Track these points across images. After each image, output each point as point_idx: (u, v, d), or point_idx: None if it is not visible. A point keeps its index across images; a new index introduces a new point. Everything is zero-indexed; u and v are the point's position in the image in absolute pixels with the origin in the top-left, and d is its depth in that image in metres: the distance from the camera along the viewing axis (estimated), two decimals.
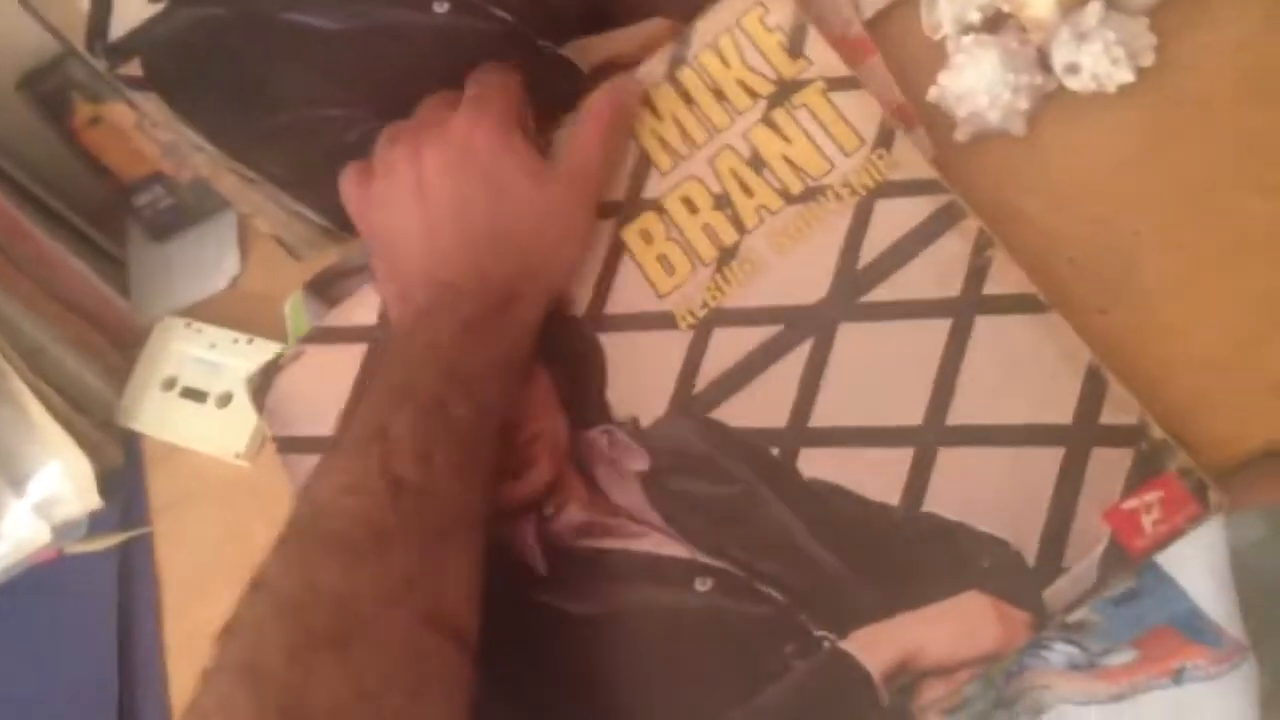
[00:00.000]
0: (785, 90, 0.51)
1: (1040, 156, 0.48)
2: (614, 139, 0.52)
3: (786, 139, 0.50)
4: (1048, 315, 0.44)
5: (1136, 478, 0.42)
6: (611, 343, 0.50)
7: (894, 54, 0.52)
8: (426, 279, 0.48)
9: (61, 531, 0.61)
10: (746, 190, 0.50)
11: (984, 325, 0.45)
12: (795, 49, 0.51)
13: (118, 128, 0.64)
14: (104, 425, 0.62)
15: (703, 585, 0.45)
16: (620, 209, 0.52)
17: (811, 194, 0.49)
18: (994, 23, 0.50)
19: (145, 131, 0.64)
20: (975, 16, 0.49)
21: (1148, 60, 0.47)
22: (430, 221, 0.48)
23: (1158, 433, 0.42)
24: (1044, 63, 0.48)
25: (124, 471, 0.62)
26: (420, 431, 0.41)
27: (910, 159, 0.48)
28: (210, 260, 0.66)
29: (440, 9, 0.53)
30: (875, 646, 0.42)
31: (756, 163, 0.50)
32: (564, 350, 0.50)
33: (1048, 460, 0.43)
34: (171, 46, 0.52)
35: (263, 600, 0.38)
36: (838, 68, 0.50)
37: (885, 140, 0.49)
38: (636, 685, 0.45)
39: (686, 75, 0.53)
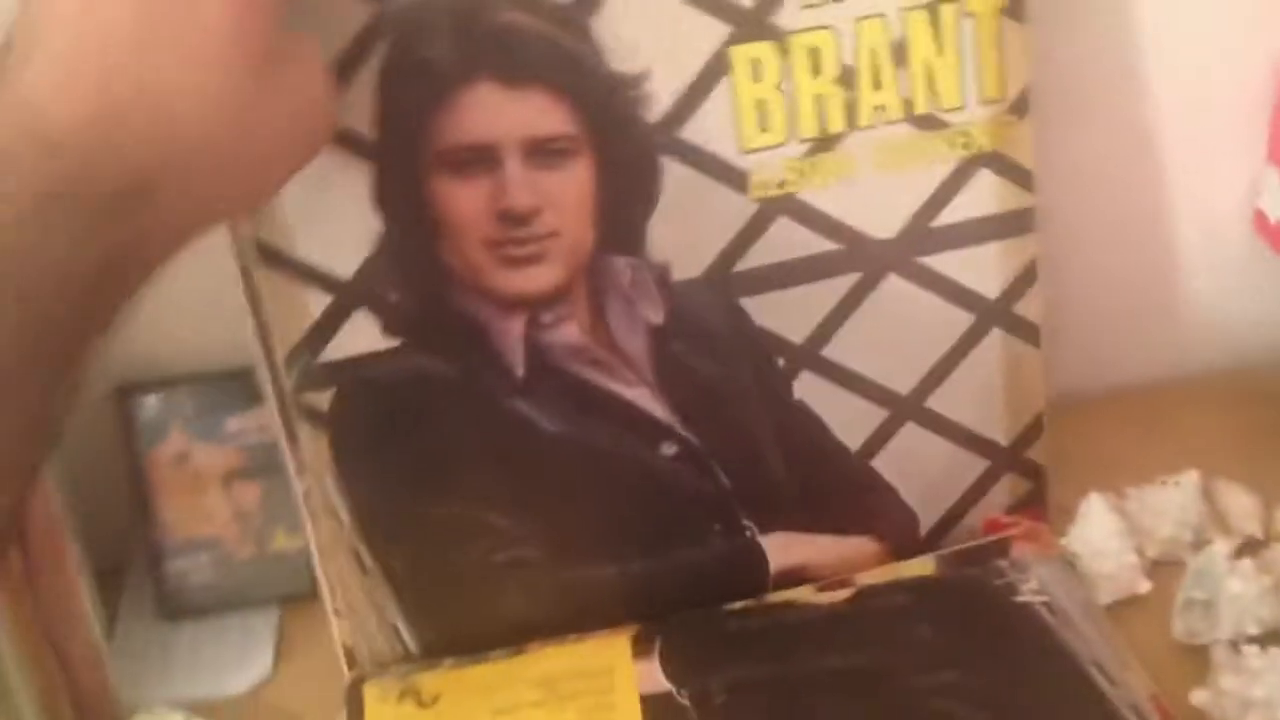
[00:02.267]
0: None
1: None
2: None
3: (939, 46, 0.44)
4: (1039, 352, 0.49)
5: (1020, 504, 0.52)
6: (672, 172, 0.44)
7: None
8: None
9: None
10: (876, 81, 0.44)
11: (994, 337, 0.49)
12: None
13: (201, 474, 0.55)
14: None
15: (668, 450, 0.48)
16: (739, 18, 0.43)
17: (932, 124, 0.45)
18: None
19: (230, 489, 0.55)
20: (1254, 628, 0.45)
21: None
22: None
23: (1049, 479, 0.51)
24: None
25: None
26: None
27: (1024, 140, 0.46)
28: (231, 658, 0.53)
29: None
30: (784, 550, 0.50)
31: (899, 53, 0.44)
32: (618, 156, 0.44)
33: (974, 468, 0.51)
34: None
35: None
36: None
37: (1020, 108, 0.46)
38: (577, 509, 0.48)
39: None
